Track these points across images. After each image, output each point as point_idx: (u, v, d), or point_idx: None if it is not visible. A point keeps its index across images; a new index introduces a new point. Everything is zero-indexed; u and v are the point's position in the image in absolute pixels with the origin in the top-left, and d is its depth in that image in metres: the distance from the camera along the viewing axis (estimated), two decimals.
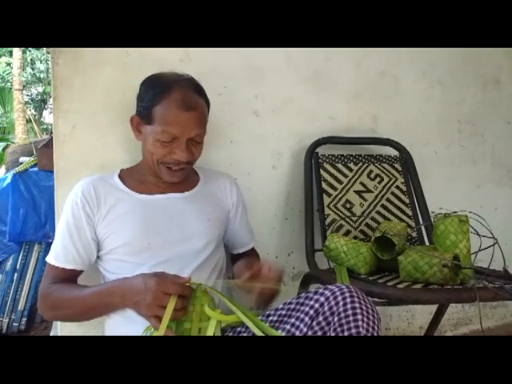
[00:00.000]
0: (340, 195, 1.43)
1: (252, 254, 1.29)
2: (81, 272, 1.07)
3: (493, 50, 1.79)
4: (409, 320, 1.77)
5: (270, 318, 0.90)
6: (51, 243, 1.09)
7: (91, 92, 1.26)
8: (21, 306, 2.03)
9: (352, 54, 1.57)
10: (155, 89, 1.04)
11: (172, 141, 1.03)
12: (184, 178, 1.12)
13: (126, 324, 0.96)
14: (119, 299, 0.92)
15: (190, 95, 1.04)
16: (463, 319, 1.87)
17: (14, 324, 2.00)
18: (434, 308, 1.51)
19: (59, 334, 1.32)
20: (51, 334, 1.58)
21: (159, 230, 1.05)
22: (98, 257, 1.08)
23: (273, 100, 1.49)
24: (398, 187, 1.50)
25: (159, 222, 1.06)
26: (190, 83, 1.07)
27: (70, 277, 1.05)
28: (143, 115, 1.06)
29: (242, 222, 1.24)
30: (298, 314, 0.85)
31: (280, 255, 1.54)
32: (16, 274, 2.03)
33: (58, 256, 1.04)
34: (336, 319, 0.79)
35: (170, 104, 1.01)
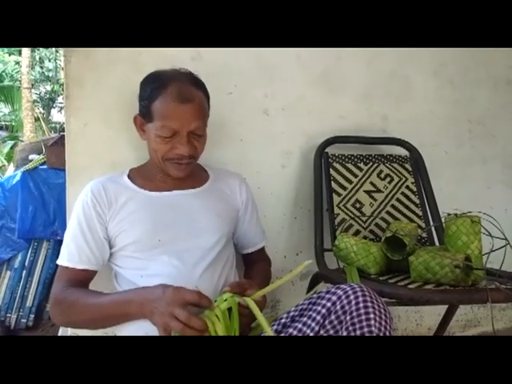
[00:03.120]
0: (350, 195, 1.43)
1: (262, 255, 1.30)
2: (94, 273, 1.06)
3: (504, 51, 1.77)
4: (417, 321, 1.76)
5: (283, 321, 0.90)
6: (60, 241, 1.08)
7: (103, 90, 1.27)
8: (29, 303, 2.04)
9: (362, 53, 1.56)
10: (152, 85, 1.05)
11: (173, 136, 1.03)
12: (192, 175, 1.12)
13: (137, 321, 0.95)
14: (137, 308, 0.90)
15: (186, 87, 1.03)
16: (472, 321, 1.85)
17: (22, 320, 2.02)
18: (442, 309, 1.50)
19: (68, 332, 1.32)
20: (59, 331, 1.58)
21: (169, 227, 1.05)
22: (109, 254, 1.08)
23: (283, 99, 1.49)
24: (408, 187, 1.49)
25: (169, 218, 1.06)
26: (187, 76, 1.07)
27: (83, 279, 1.04)
28: (144, 114, 1.06)
29: (251, 221, 1.24)
30: (311, 313, 0.85)
31: (289, 255, 1.53)
32: (24, 271, 2.04)
33: (73, 257, 1.03)
34: (348, 318, 0.79)
35: (167, 98, 1.01)
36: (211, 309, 0.86)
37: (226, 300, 0.89)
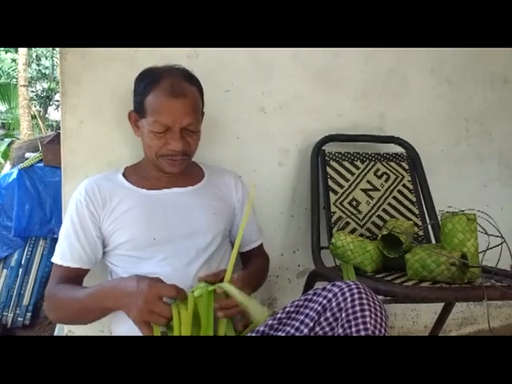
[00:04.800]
0: (346, 193, 1.43)
1: (259, 252, 1.29)
2: (87, 271, 1.06)
3: (501, 49, 1.77)
4: (414, 319, 1.77)
5: (279, 316, 0.89)
6: (56, 239, 1.08)
7: (99, 87, 1.26)
8: (25, 301, 2.04)
9: (360, 51, 1.56)
10: (145, 80, 1.04)
11: (165, 131, 1.03)
12: (187, 172, 1.12)
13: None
14: (111, 302, 0.89)
15: (178, 82, 1.03)
16: (468, 319, 1.86)
17: (19, 319, 2.01)
18: (438, 308, 1.51)
19: (64, 330, 1.32)
20: (56, 330, 1.58)
21: (165, 225, 1.05)
22: (104, 252, 1.08)
23: (280, 97, 1.48)
24: (404, 185, 1.49)
25: (164, 216, 1.06)
26: (180, 72, 1.07)
27: (76, 276, 1.04)
28: (138, 109, 1.06)
29: (248, 219, 1.23)
30: (307, 310, 0.85)
31: (285, 252, 1.54)
32: (21, 269, 2.03)
33: (65, 255, 1.03)
34: (344, 315, 0.79)
35: (159, 92, 1.01)
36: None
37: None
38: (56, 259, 1.04)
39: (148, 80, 1.04)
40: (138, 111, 1.06)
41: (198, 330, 0.85)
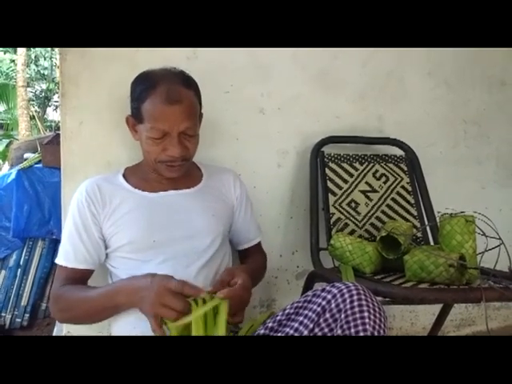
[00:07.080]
0: (345, 194, 1.43)
1: (257, 250, 1.29)
2: (91, 272, 1.07)
3: (499, 52, 1.78)
4: (412, 320, 1.77)
5: (278, 318, 0.90)
6: (55, 239, 1.09)
7: (99, 88, 1.26)
8: (24, 302, 2.03)
9: (359, 53, 1.56)
10: (141, 86, 1.04)
11: (163, 137, 1.02)
12: (186, 174, 1.12)
13: (131, 320, 0.96)
14: (125, 298, 0.91)
15: (175, 88, 1.01)
16: (466, 320, 1.86)
17: (17, 320, 2.01)
18: (437, 309, 1.51)
19: (63, 331, 1.32)
20: (54, 330, 1.58)
21: (164, 227, 1.05)
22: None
23: (279, 98, 1.49)
24: (403, 187, 1.49)
25: (164, 219, 1.06)
26: (176, 76, 1.05)
27: (81, 277, 1.04)
28: (135, 114, 1.06)
29: (246, 217, 1.24)
30: (306, 311, 0.85)
31: (284, 254, 1.54)
32: (19, 270, 2.03)
33: (69, 256, 1.03)
34: (343, 316, 0.79)
35: (155, 99, 1.00)
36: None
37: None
38: (60, 260, 1.04)
39: (144, 86, 1.03)
40: (135, 116, 1.06)
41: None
